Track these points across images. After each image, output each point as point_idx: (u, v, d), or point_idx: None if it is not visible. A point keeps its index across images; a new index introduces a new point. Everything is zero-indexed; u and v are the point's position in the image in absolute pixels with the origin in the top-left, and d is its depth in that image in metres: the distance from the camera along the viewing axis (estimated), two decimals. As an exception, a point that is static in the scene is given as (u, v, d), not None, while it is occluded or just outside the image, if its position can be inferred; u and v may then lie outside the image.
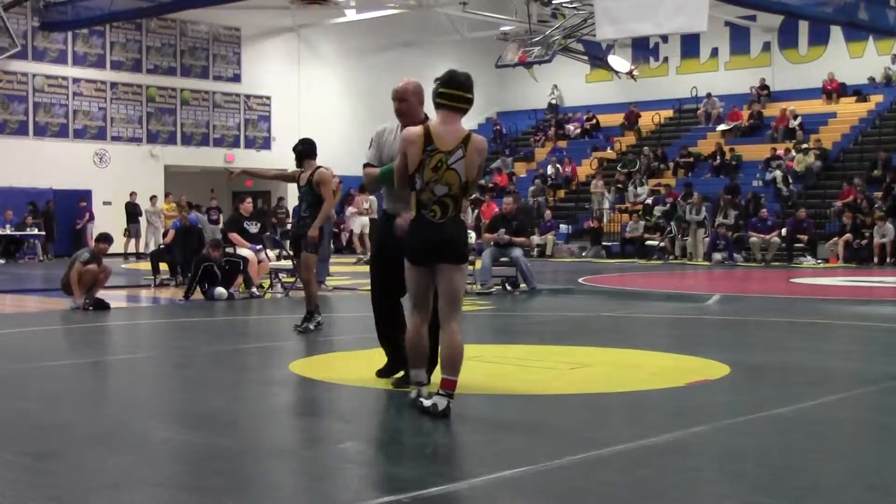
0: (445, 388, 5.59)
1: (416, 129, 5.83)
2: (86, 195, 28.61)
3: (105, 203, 28.98)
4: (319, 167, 9.97)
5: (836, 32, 31.53)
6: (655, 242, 26.78)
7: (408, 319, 5.94)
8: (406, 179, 5.76)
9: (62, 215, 27.84)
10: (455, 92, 6.05)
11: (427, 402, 5.62)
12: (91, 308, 12.25)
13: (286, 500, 4.27)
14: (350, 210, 25.80)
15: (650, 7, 19.76)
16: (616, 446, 5.00)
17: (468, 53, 36.64)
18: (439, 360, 5.77)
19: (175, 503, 4.19)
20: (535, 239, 27.55)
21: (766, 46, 33.92)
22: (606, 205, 29.59)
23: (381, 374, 6.91)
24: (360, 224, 25.45)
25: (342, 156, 31.03)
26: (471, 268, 16.01)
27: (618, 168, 31.42)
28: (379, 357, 6.99)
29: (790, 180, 27.45)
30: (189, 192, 29.14)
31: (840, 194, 26.18)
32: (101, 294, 12.73)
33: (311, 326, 9.78)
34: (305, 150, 10.12)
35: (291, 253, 11.73)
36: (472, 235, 17.97)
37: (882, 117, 30.40)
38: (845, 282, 18.25)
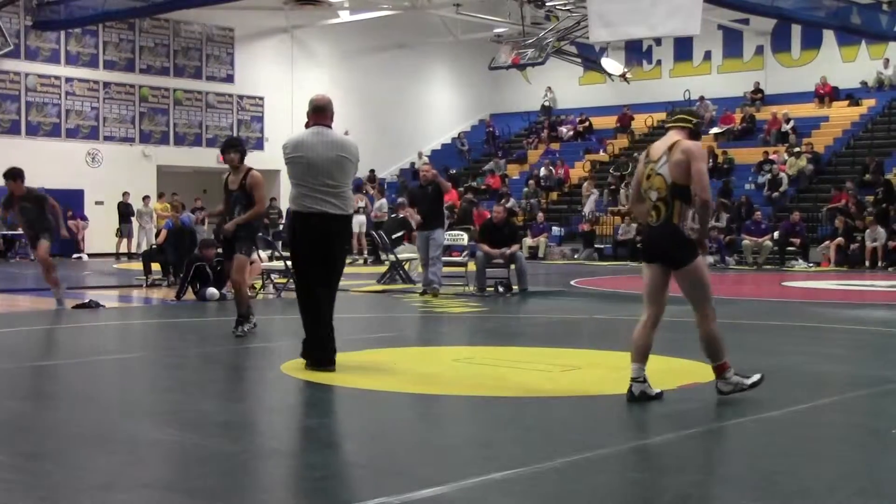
0: (719, 373, 6.23)
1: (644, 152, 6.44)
2: (77, 195, 28.56)
3: (97, 203, 28.94)
4: (251, 170, 9.78)
5: (829, 36, 31.61)
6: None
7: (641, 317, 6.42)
8: (635, 193, 6.42)
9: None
10: (681, 116, 6.47)
11: (724, 387, 6.18)
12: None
13: (278, 502, 4.27)
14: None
15: (643, 10, 19.78)
16: (607, 449, 5.01)
17: (462, 55, 36.69)
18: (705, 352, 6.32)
19: (166, 504, 4.18)
20: (528, 241, 27.57)
21: (759, 50, 33.99)
22: (592, 206, 29.53)
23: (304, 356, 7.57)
24: (357, 223, 25.47)
25: (335, 157, 31.05)
26: (464, 269, 16.04)
27: (610, 171, 31.45)
28: (370, 358, 6.99)
29: (779, 184, 27.49)
30: (182, 192, 29.12)
31: (830, 199, 26.24)
32: (94, 295, 12.72)
33: (246, 330, 9.52)
34: (245, 152, 9.93)
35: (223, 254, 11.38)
36: (465, 237, 17.98)
37: (874, 121, 30.48)
38: (837, 285, 18.29)
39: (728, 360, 6.30)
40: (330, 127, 7.63)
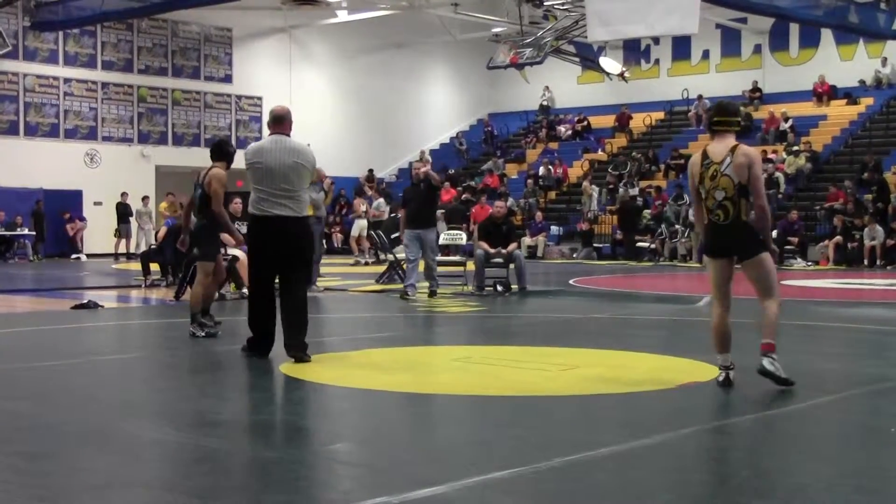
0: (766, 350, 6.57)
1: (696, 155, 6.79)
2: (76, 196, 28.56)
3: (96, 203, 28.92)
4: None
5: (827, 35, 31.61)
6: (646, 244, 26.82)
7: (713, 312, 6.79)
8: (695, 193, 6.82)
9: (52, 216, 27.79)
10: (728, 118, 6.80)
11: (769, 366, 6.52)
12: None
13: (276, 502, 4.27)
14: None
15: (641, 9, 19.77)
16: (607, 448, 5.01)
17: (460, 55, 36.69)
18: (762, 328, 6.68)
19: (165, 504, 4.18)
20: (526, 240, 27.58)
21: (757, 49, 34.00)
22: (595, 206, 29.60)
23: (246, 349, 8.17)
24: (357, 227, 25.47)
25: (333, 157, 31.01)
26: (462, 269, 16.04)
27: (609, 170, 31.46)
28: (369, 358, 6.99)
29: (777, 183, 27.48)
30: (180, 192, 29.07)
31: (827, 197, 26.25)
32: (92, 295, 12.72)
33: (202, 333, 9.50)
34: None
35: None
36: (464, 237, 17.97)
37: (872, 120, 30.49)
38: (836, 284, 18.30)
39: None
40: (288, 135, 8.11)
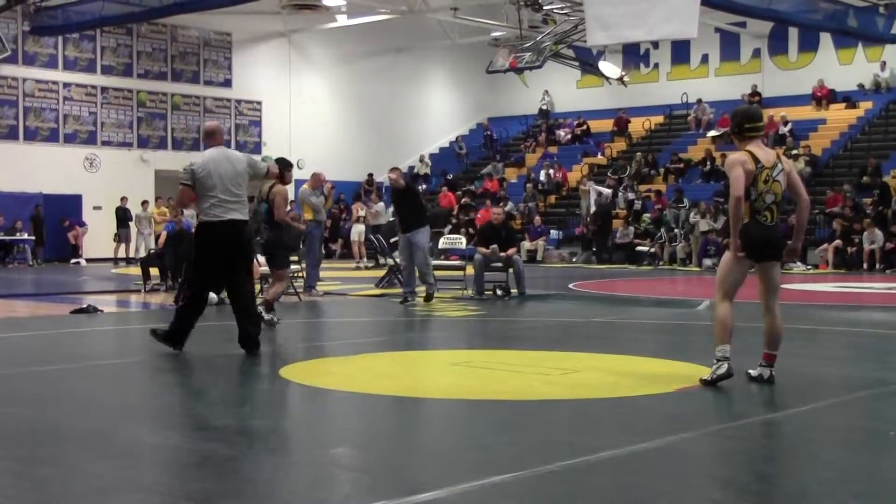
0: (768, 361, 6.90)
1: (743, 155, 6.95)
2: (75, 200, 28.57)
3: (95, 208, 28.92)
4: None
5: (826, 39, 31.62)
6: (646, 248, 26.82)
7: (718, 305, 7.00)
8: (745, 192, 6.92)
9: (52, 220, 27.78)
10: (759, 124, 7.18)
11: (754, 373, 6.91)
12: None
13: (276, 506, 4.27)
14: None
15: (641, 13, 19.77)
16: (606, 452, 5.01)
17: (459, 59, 36.69)
18: (764, 337, 6.99)
19: (165, 509, 4.18)
20: (526, 244, 27.58)
21: (756, 53, 34.01)
22: (594, 207, 29.55)
23: (163, 337, 8.79)
24: (356, 231, 25.47)
25: (332, 161, 31.04)
26: (462, 273, 16.04)
27: (608, 174, 31.47)
28: (368, 362, 6.98)
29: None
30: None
31: (826, 201, 26.25)
32: (92, 300, 12.72)
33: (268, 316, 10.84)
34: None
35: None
36: (463, 241, 17.97)
37: (871, 124, 30.49)
38: (835, 288, 18.30)
39: None
40: (227, 146, 9.02)
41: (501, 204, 25.52)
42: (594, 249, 27.74)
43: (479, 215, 27.30)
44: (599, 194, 28.75)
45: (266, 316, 10.68)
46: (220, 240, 8.53)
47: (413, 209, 14.29)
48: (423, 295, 14.19)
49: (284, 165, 10.94)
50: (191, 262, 14.09)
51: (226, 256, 8.59)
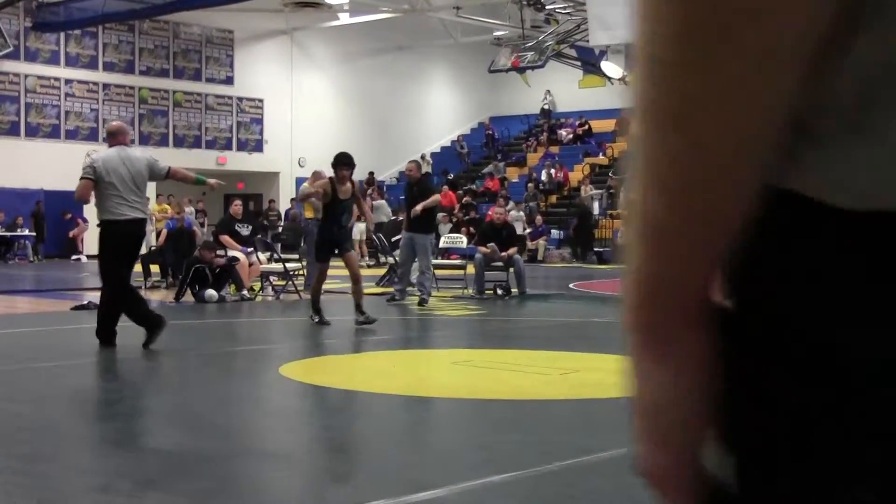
0: None
1: None
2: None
3: (96, 205, 28.90)
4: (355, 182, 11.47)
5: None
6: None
7: None
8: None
9: (53, 216, 27.79)
10: None
11: None
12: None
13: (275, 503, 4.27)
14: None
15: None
16: (606, 452, 5.00)
17: (461, 58, 36.70)
18: None
19: (164, 506, 4.18)
20: (527, 244, 27.59)
21: (759, 54, 34.03)
22: (596, 210, 29.59)
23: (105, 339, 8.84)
24: (357, 231, 25.46)
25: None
26: (462, 272, 16.04)
27: (610, 174, 31.46)
28: (369, 361, 6.99)
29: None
30: (179, 195, 29.08)
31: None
32: (92, 296, 12.70)
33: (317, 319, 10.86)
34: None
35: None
36: (464, 240, 17.96)
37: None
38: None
39: None
40: (129, 145, 9.21)
41: (506, 206, 25.54)
42: (578, 249, 27.86)
43: (489, 214, 27.30)
44: (592, 198, 28.81)
45: (362, 317, 10.79)
46: (127, 236, 8.82)
47: (424, 211, 13.75)
48: (416, 297, 13.92)
49: (341, 163, 11.21)
50: (191, 259, 14.14)
51: (128, 253, 8.94)
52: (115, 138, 9.06)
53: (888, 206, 0.59)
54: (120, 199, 8.72)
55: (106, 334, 8.85)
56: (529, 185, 32.07)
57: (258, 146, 32.51)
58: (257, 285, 15.13)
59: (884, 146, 0.59)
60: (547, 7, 26.32)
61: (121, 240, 8.78)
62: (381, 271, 18.03)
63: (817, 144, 0.61)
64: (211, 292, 13.68)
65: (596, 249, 28.12)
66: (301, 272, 15.43)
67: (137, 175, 8.85)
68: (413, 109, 37.04)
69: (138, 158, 9.05)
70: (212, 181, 9.95)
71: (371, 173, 33.11)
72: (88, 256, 28.09)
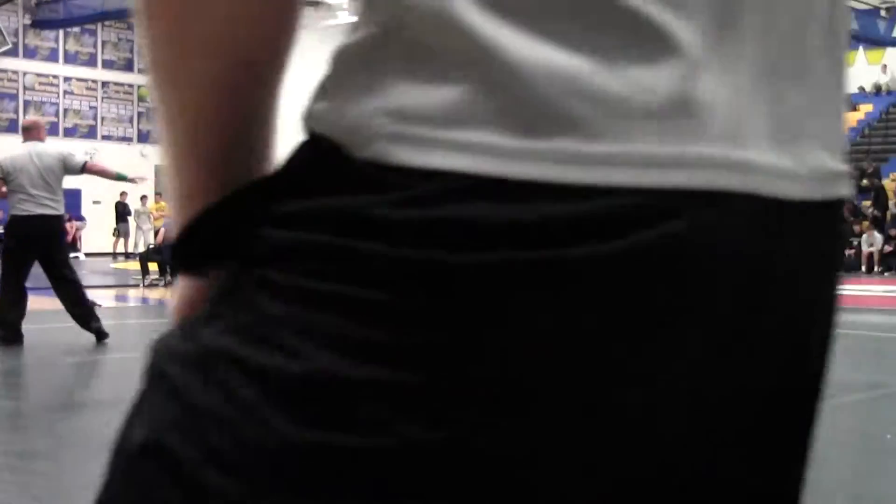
0: None
1: None
2: (75, 195, 28.58)
3: (95, 202, 28.93)
4: None
5: (827, 41, 31.69)
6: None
7: None
8: None
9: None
10: None
11: None
12: None
13: (272, 503, 4.26)
14: None
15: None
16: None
17: (460, 57, 36.76)
18: None
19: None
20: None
21: (758, 54, 34.07)
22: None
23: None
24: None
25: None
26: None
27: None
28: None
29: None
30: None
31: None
32: (91, 294, 12.67)
33: None
34: None
35: None
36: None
37: (872, 127, 30.52)
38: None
39: None
40: (43, 141, 9.15)
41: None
42: None
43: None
44: None
45: None
46: (32, 234, 8.68)
47: None
48: None
49: None
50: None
51: (39, 252, 8.75)
52: (28, 133, 9.08)
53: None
54: (25, 195, 8.71)
55: (14, 333, 8.87)
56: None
57: (257, 145, 32.58)
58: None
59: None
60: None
61: (23, 237, 8.70)
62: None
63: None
64: (209, 291, 13.66)
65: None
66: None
67: (47, 171, 8.87)
68: (412, 109, 37.10)
69: (49, 154, 9.03)
70: (133, 177, 9.93)
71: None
72: (86, 254, 28.11)
